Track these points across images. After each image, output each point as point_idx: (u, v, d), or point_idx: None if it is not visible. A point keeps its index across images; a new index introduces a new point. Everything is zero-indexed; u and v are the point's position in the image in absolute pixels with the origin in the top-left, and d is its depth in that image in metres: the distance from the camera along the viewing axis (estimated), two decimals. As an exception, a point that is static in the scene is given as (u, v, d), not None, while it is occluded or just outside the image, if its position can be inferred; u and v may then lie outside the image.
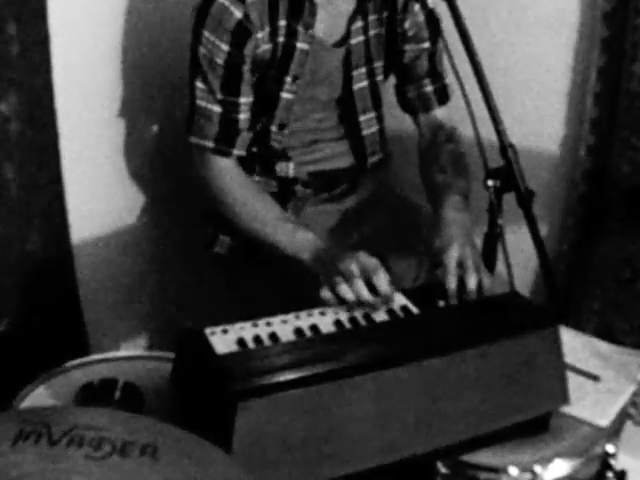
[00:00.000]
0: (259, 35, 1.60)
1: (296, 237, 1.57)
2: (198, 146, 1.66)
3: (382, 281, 1.40)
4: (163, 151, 2.12)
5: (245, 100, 1.64)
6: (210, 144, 1.64)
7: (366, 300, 1.38)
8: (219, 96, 1.62)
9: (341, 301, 1.39)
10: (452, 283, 1.45)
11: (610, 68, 2.04)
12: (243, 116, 1.65)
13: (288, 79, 1.68)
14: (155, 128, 2.12)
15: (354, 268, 1.41)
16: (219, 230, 1.80)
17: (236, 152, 1.66)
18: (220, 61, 1.59)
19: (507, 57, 2.15)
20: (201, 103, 1.63)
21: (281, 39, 1.63)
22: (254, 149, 1.76)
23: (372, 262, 1.43)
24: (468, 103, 1.47)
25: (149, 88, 2.04)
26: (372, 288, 1.40)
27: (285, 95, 1.69)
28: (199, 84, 1.62)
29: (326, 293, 1.41)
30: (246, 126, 1.66)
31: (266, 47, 1.62)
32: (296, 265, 1.55)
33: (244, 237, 1.67)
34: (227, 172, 1.66)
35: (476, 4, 1.89)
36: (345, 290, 1.39)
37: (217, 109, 1.63)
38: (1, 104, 1.70)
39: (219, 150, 1.65)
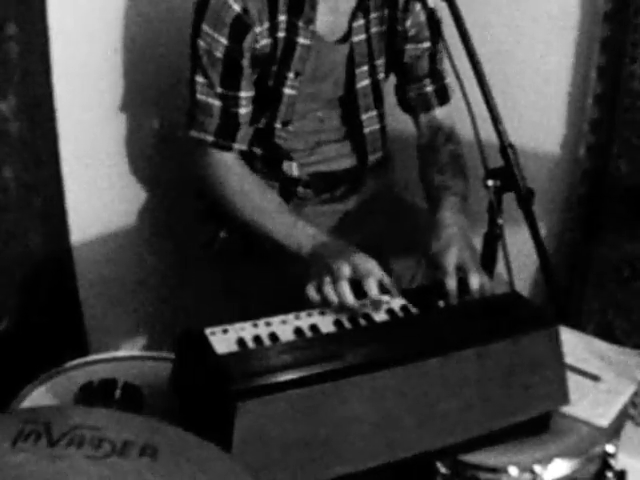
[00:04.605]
0: (258, 29, 1.59)
1: (296, 230, 1.56)
2: (199, 140, 1.66)
3: (371, 286, 1.39)
4: (163, 151, 2.12)
5: (245, 94, 1.63)
6: (210, 138, 1.64)
7: (348, 304, 1.37)
8: (219, 90, 1.62)
9: (325, 301, 1.39)
10: (452, 285, 1.45)
11: (610, 68, 2.04)
12: (244, 110, 1.64)
13: (290, 75, 1.67)
14: (155, 128, 2.12)
15: (345, 269, 1.41)
16: (218, 229, 1.80)
17: (237, 146, 1.66)
18: (219, 55, 1.59)
19: (507, 57, 2.15)
20: (201, 97, 1.63)
21: (282, 34, 1.63)
22: (257, 150, 1.76)
23: (367, 266, 1.43)
24: (468, 103, 1.47)
25: (149, 88, 2.04)
26: (363, 291, 1.39)
27: (288, 91, 1.69)
28: (199, 78, 1.62)
29: (311, 290, 1.41)
30: (247, 120, 1.66)
31: (265, 42, 1.62)
32: (296, 259, 1.54)
33: (245, 231, 1.66)
34: (228, 166, 1.66)
35: (476, 4, 1.89)
36: (328, 291, 1.39)
37: (217, 103, 1.62)
38: (1, 104, 1.71)
39: (219, 144, 1.65)
